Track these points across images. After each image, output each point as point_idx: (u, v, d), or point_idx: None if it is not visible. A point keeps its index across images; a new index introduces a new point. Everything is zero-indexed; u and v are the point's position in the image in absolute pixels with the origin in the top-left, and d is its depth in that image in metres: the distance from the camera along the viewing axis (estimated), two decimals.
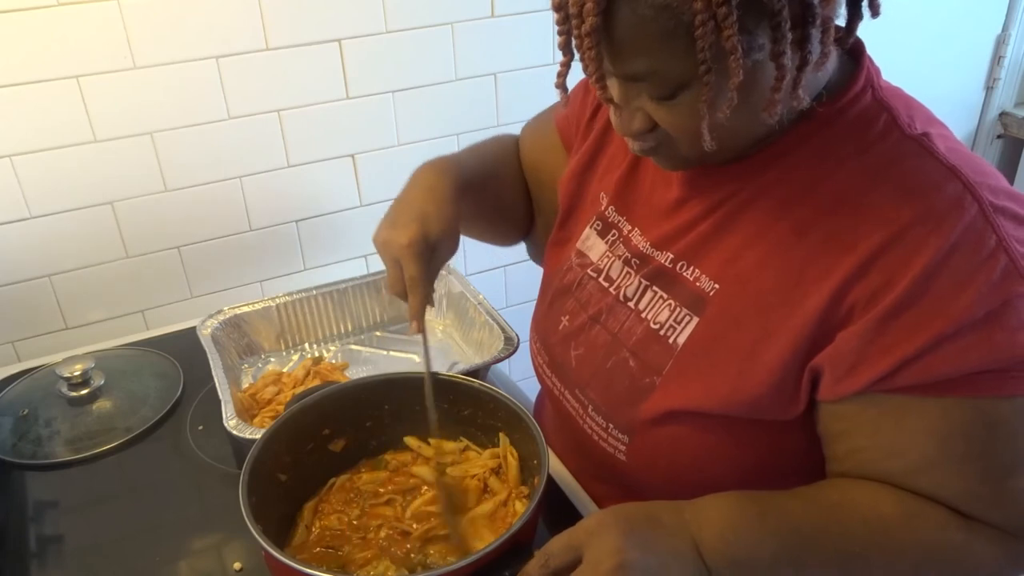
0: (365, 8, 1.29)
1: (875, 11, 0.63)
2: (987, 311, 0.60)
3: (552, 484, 0.92)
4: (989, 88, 2.14)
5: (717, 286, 0.71)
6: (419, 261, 0.78)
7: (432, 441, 0.89)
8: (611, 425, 0.78)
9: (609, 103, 0.66)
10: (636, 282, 0.79)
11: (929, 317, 0.60)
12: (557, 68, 0.65)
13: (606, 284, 0.82)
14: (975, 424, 0.62)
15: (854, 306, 0.63)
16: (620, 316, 0.79)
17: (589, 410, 0.81)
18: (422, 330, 0.80)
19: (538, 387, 1.11)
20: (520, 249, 1.15)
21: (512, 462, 0.83)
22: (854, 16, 0.63)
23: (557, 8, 0.60)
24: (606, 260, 0.83)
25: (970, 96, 2.14)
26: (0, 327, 1.26)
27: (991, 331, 0.60)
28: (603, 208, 0.86)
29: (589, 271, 0.85)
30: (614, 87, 0.65)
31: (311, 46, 1.28)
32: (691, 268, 0.74)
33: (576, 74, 0.65)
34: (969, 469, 0.63)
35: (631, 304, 0.78)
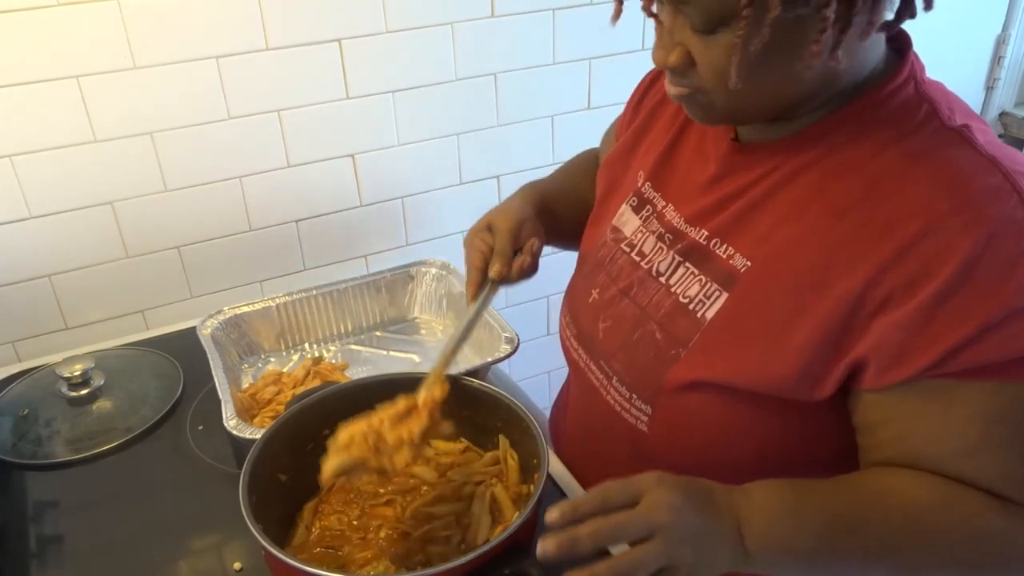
0: (365, 8, 1.29)
1: (928, 4, 0.64)
2: None
3: (552, 483, 0.92)
4: (989, 88, 2.14)
5: (749, 263, 0.72)
6: (469, 248, 0.92)
7: (432, 441, 0.89)
8: (634, 395, 0.79)
9: (652, 17, 0.67)
10: (669, 258, 0.80)
11: (975, 305, 0.61)
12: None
13: (638, 259, 0.83)
14: (1018, 407, 0.63)
15: (891, 293, 0.63)
16: (650, 290, 0.80)
17: (613, 381, 0.82)
18: (470, 302, 0.89)
19: (539, 387, 1.10)
20: None
21: (512, 464, 0.83)
22: (905, 8, 0.65)
23: None
24: (639, 235, 0.84)
25: (970, 96, 2.14)
26: (0, 327, 1.26)
27: None
28: (640, 185, 0.87)
29: (622, 246, 0.86)
30: (665, 13, 0.66)
31: (311, 46, 1.28)
32: (724, 245, 0.75)
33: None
34: (1011, 453, 0.63)
35: (662, 279, 0.79)
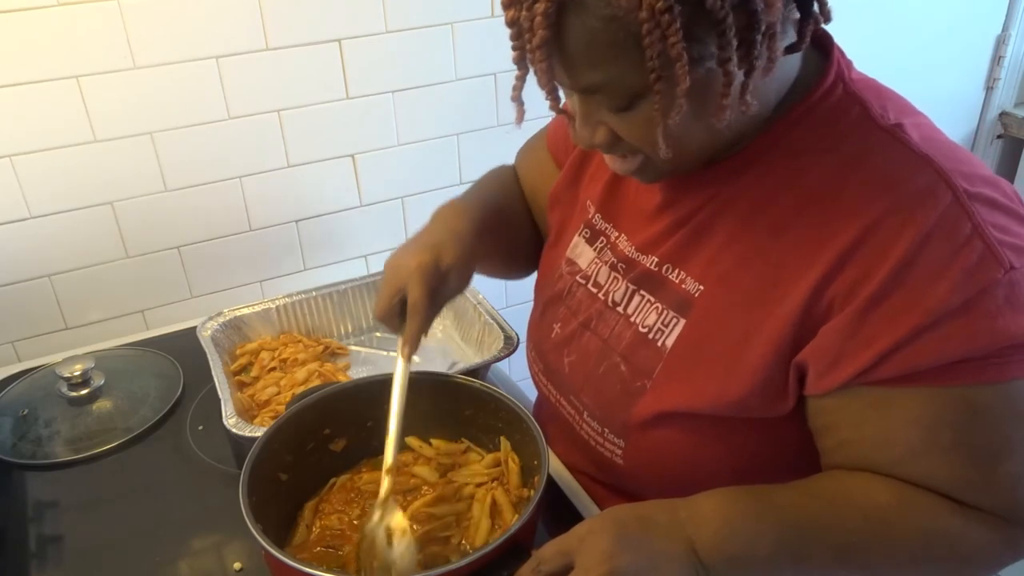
0: (365, 8, 1.29)
1: (826, 16, 0.62)
2: (964, 299, 0.60)
3: (552, 484, 0.92)
4: (989, 88, 2.14)
5: (702, 287, 0.72)
6: (425, 286, 0.78)
7: (433, 442, 0.89)
8: (606, 430, 0.79)
9: (560, 113, 0.66)
10: (624, 287, 0.79)
11: (907, 308, 0.60)
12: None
13: (594, 290, 0.82)
14: (958, 412, 0.62)
15: (833, 301, 0.63)
16: (610, 321, 0.80)
17: (584, 415, 0.82)
18: (409, 357, 0.79)
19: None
20: None
21: (513, 467, 0.83)
22: (805, 23, 0.62)
23: (511, 24, 0.60)
24: (594, 266, 0.84)
25: (970, 96, 2.14)
26: (0, 327, 1.26)
27: (969, 319, 0.60)
28: (590, 216, 0.86)
29: (578, 278, 0.85)
30: (575, 103, 0.66)
31: (311, 46, 1.28)
32: (676, 271, 0.74)
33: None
34: (956, 457, 0.63)
35: (620, 309, 0.79)
